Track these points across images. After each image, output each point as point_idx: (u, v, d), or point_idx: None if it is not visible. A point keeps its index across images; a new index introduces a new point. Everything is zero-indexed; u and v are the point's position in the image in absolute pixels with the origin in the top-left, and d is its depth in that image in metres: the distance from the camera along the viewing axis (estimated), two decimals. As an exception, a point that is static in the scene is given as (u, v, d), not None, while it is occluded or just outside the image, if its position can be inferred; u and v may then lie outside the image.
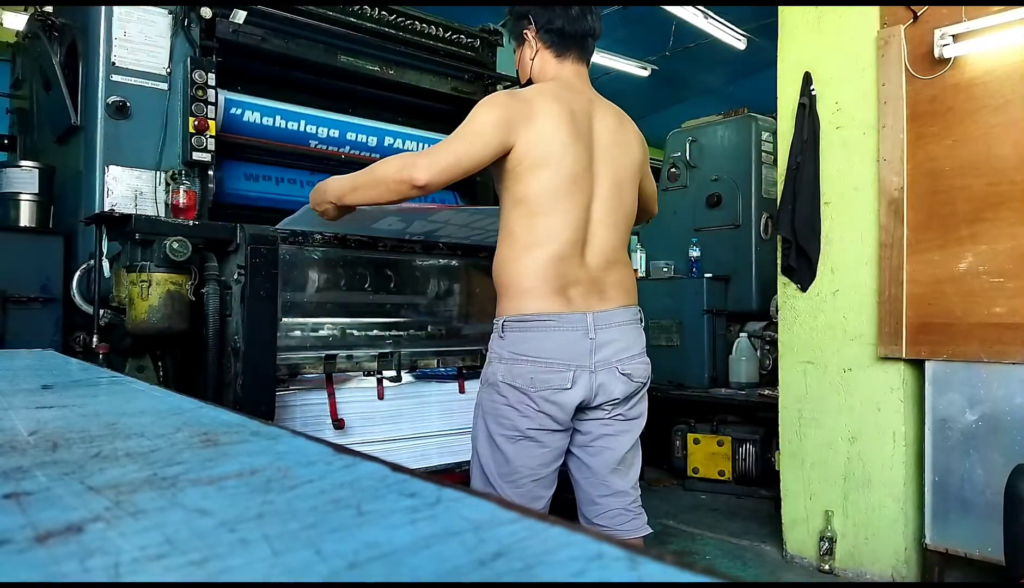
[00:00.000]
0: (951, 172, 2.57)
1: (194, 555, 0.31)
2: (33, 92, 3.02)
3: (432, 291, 2.66)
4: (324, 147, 2.79)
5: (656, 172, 3.62)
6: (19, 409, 0.73)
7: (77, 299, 2.20)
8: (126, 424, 0.63)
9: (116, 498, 0.39)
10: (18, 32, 3.42)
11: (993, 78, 2.49)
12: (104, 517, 0.36)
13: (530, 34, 1.81)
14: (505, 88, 3.07)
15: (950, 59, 2.56)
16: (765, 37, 6.70)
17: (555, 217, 1.64)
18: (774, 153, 3.83)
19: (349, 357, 2.27)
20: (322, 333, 2.41)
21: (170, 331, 2.00)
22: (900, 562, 2.71)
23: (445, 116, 3.08)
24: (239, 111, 2.55)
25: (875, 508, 2.77)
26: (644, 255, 4.95)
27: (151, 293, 1.94)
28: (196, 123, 2.32)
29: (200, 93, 2.33)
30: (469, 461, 2.42)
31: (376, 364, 2.29)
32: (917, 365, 2.69)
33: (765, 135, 4.54)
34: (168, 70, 2.38)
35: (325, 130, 2.76)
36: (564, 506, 1.84)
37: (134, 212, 2.16)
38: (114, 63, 2.31)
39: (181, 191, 2.27)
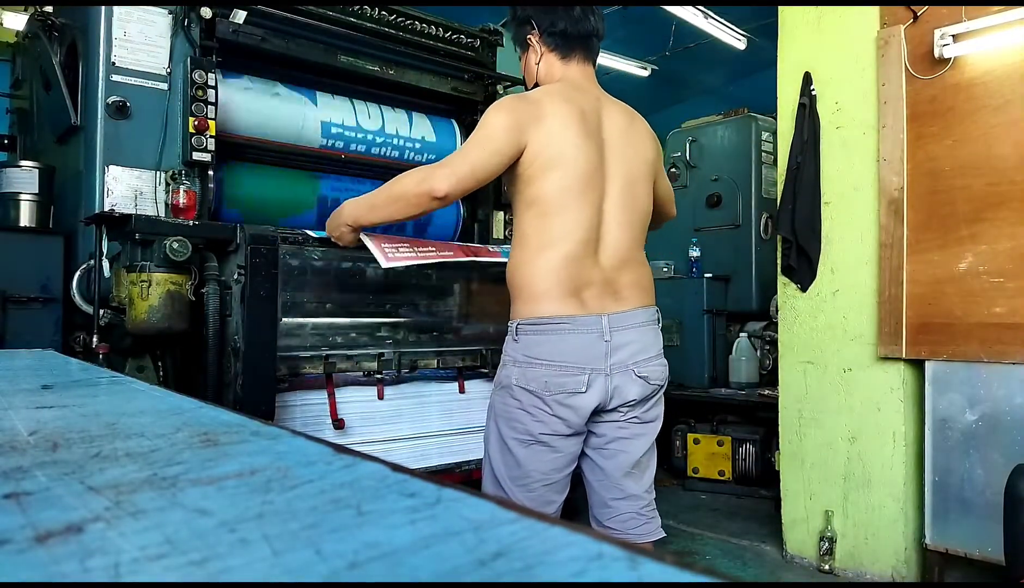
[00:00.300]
0: (951, 172, 2.57)
1: (194, 555, 0.31)
2: (33, 92, 3.02)
3: (432, 291, 2.66)
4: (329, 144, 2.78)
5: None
6: (19, 409, 0.73)
7: (77, 299, 2.19)
8: (126, 424, 0.63)
9: (116, 498, 0.39)
10: (18, 32, 3.41)
11: (993, 78, 2.49)
12: (104, 517, 0.36)
13: (534, 39, 1.80)
14: (506, 89, 3.07)
15: (950, 59, 2.56)
16: (765, 37, 6.70)
17: (567, 217, 1.63)
18: (774, 153, 3.84)
19: (349, 357, 2.27)
20: (322, 333, 2.40)
21: (170, 331, 1.99)
22: (900, 562, 2.71)
23: (445, 116, 3.08)
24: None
25: (875, 508, 2.77)
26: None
27: (151, 293, 1.94)
28: (196, 123, 2.31)
29: (200, 93, 2.33)
30: (469, 461, 2.45)
31: (376, 364, 2.29)
32: (917, 365, 2.69)
33: (765, 135, 4.54)
34: (168, 70, 2.38)
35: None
36: (566, 505, 1.84)
37: (134, 212, 2.16)
38: (114, 63, 2.31)
39: (181, 191, 2.26)
